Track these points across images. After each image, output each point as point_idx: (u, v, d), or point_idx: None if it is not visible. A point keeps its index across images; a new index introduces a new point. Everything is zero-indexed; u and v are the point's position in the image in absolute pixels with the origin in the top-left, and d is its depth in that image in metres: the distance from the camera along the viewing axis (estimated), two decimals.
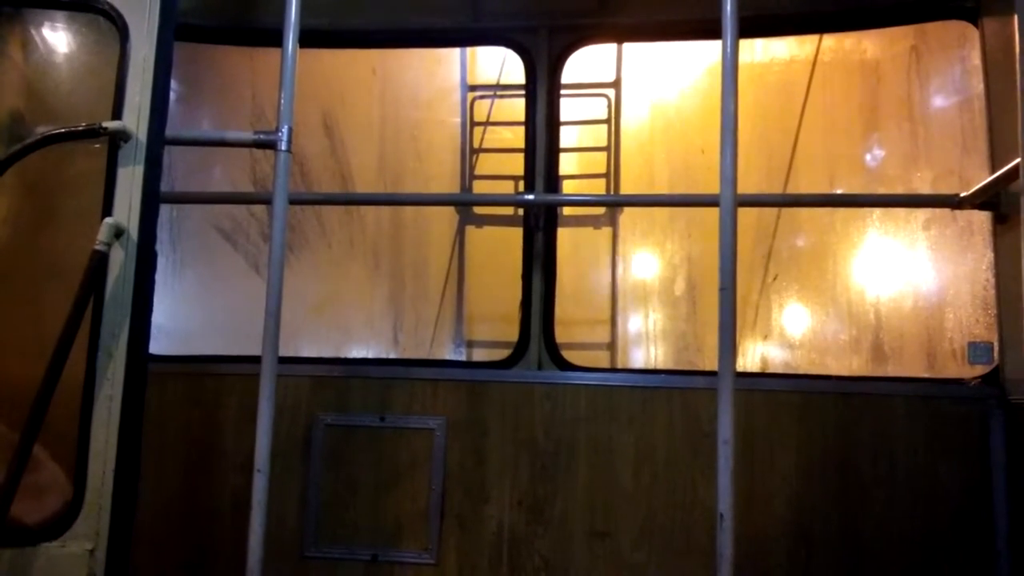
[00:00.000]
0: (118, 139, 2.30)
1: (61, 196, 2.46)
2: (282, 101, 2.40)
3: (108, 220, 2.24)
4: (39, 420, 2.09)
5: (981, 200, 3.21)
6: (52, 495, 2.23)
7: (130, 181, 2.30)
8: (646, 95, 4.13)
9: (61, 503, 2.21)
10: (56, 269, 2.40)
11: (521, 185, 3.83)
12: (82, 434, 2.21)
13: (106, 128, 2.28)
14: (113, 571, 2.17)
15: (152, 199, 2.32)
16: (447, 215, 4.17)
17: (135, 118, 2.33)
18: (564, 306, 3.70)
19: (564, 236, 3.83)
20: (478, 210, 4.15)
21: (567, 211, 3.99)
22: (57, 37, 2.56)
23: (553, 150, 3.75)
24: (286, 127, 2.39)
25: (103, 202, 2.29)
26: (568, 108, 3.91)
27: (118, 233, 2.26)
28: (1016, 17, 1.97)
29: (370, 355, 4.12)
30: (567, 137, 3.94)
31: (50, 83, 2.60)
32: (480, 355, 4.08)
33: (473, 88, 4.23)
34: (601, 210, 4.09)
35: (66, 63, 2.59)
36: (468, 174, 4.20)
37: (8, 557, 2.16)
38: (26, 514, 2.18)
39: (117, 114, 2.33)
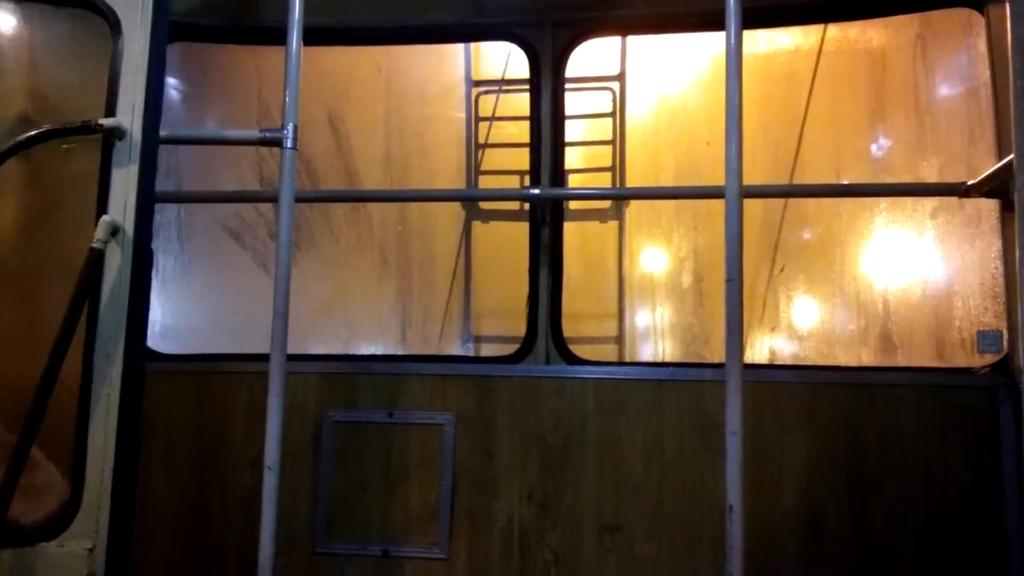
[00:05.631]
0: (113, 136, 2.30)
1: (55, 194, 2.45)
2: (287, 99, 2.42)
3: (105, 218, 2.24)
4: (37, 420, 2.09)
5: (988, 188, 3.19)
6: (50, 495, 2.22)
7: (125, 178, 2.30)
8: (651, 88, 4.12)
9: (59, 502, 2.21)
10: (51, 267, 2.39)
11: (527, 180, 3.82)
12: (80, 433, 2.20)
13: (101, 125, 2.27)
14: (113, 570, 2.18)
15: (147, 196, 2.32)
16: (453, 211, 4.17)
17: (129, 115, 2.32)
18: (571, 300, 3.69)
19: (570, 230, 3.82)
20: (484, 205, 4.14)
21: (573, 205, 3.98)
22: (50, 34, 2.55)
23: (558, 144, 3.75)
24: (291, 125, 2.40)
25: (98, 200, 2.28)
26: (573, 102, 3.89)
27: (114, 231, 2.26)
28: (1008, 8, 1.96)
29: (378, 351, 4.12)
30: (572, 131, 3.93)
31: (43, 80, 2.58)
32: (488, 350, 4.08)
33: (478, 83, 4.23)
34: (607, 204, 4.08)
35: (59, 60, 2.58)
36: (474, 169, 4.20)
37: (7, 557, 2.16)
38: (24, 514, 2.18)
39: (111, 111, 2.32)
